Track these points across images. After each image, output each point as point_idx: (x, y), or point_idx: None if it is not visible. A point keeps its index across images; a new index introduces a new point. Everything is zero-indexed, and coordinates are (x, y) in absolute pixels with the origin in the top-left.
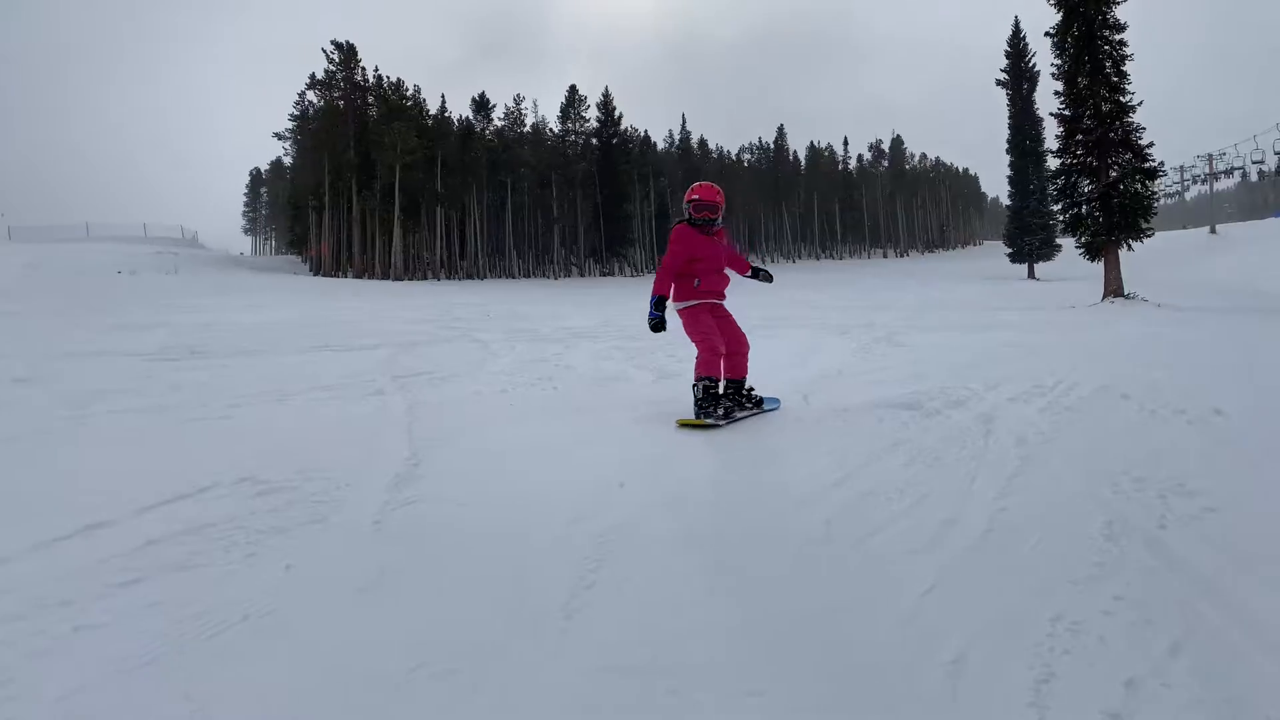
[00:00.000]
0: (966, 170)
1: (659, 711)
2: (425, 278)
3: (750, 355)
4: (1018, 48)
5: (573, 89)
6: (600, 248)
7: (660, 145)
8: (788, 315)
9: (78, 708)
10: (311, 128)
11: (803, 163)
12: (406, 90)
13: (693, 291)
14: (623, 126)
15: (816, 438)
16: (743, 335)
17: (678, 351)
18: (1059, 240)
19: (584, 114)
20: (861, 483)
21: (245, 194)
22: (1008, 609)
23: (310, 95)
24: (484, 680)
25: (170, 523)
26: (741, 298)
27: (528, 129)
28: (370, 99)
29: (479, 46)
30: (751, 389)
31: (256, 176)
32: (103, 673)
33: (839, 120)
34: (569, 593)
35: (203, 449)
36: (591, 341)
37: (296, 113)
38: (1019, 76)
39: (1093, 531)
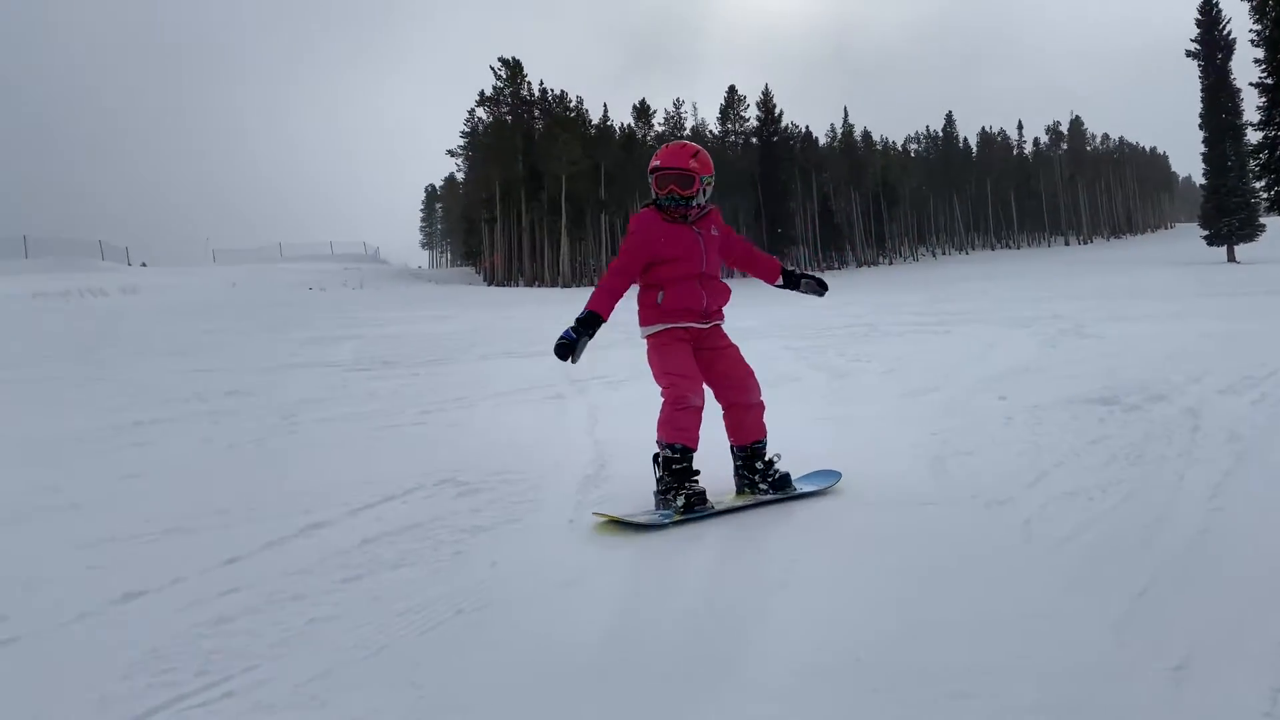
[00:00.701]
0: (1154, 150)
1: (864, 710)
2: (593, 284)
3: (767, 404)
4: (1210, 15)
5: (732, 89)
6: (763, 246)
7: (822, 140)
8: (965, 309)
9: (320, 691)
10: (482, 143)
11: (974, 149)
12: (570, 102)
13: (657, 311)
14: (783, 124)
15: (1007, 436)
16: (748, 375)
17: (849, 349)
18: (1263, 219)
19: (743, 114)
20: (1059, 482)
21: (421, 209)
22: (1233, 613)
23: (480, 112)
24: (689, 676)
25: (382, 522)
26: (900, 294)
27: (688, 132)
28: (536, 112)
29: (638, 54)
30: (773, 460)
31: (432, 193)
32: (337, 660)
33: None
34: (764, 591)
35: (402, 453)
36: (759, 340)
37: (467, 129)
38: (1212, 45)
39: None
